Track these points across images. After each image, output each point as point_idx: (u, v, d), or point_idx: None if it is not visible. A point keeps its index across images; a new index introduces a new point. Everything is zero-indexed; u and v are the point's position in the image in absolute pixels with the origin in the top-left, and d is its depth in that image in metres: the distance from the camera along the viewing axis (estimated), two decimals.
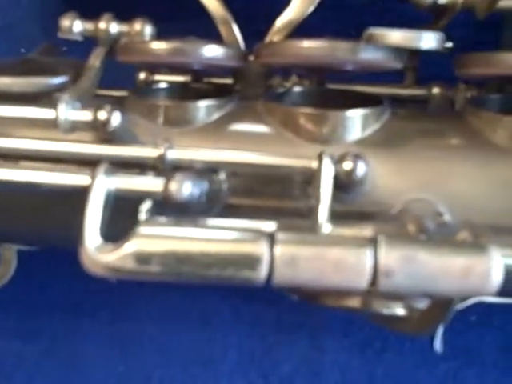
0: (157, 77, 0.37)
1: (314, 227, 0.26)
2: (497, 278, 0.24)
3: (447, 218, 0.28)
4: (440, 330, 0.34)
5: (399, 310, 0.29)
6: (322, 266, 0.24)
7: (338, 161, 0.26)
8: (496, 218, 0.29)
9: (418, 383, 0.39)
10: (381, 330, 0.39)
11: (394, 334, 0.38)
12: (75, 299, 0.40)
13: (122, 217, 0.26)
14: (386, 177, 0.29)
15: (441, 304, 0.28)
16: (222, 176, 0.29)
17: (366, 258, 0.24)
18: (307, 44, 0.29)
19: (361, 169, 0.27)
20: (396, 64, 0.30)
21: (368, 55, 0.28)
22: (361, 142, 0.30)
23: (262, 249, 0.24)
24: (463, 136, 0.30)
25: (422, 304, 0.29)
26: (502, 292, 0.25)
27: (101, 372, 0.40)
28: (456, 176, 0.29)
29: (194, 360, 0.40)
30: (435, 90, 0.35)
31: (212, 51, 0.30)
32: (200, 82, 0.36)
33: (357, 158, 0.27)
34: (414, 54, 0.36)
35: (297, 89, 0.33)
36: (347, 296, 0.30)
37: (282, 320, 0.40)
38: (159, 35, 0.33)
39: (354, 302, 0.30)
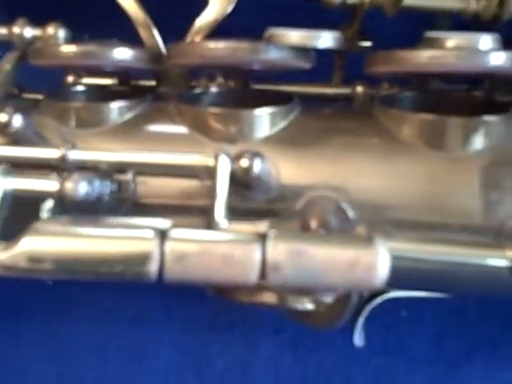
0: (84, 80, 0.37)
1: (210, 224, 0.27)
2: (383, 271, 0.25)
3: (350, 213, 0.29)
4: (359, 325, 0.34)
5: (309, 305, 0.30)
6: (211, 261, 0.25)
7: (234, 159, 0.27)
8: (399, 212, 0.29)
9: (350, 379, 0.40)
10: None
11: (326, 331, 0.38)
12: (11, 301, 0.41)
13: (26, 216, 0.26)
14: (291, 174, 0.29)
15: (343, 298, 0.28)
16: (129, 176, 0.29)
17: (255, 252, 0.25)
18: (212, 45, 0.29)
19: (257, 166, 0.27)
20: (302, 63, 0.30)
21: (269, 55, 0.29)
22: (268, 140, 0.30)
23: (151, 245, 0.25)
24: (369, 133, 0.30)
25: (329, 298, 0.30)
26: (390, 284, 0.25)
27: (37, 372, 0.40)
28: (360, 172, 0.29)
29: (128, 358, 0.40)
30: (359, 89, 0.36)
31: (122, 54, 0.31)
32: (124, 85, 0.36)
33: (254, 155, 0.27)
34: (341, 54, 0.37)
35: (213, 89, 0.33)
36: (261, 292, 0.30)
37: (215, 318, 0.41)
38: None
39: (269, 298, 0.30)
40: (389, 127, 0.30)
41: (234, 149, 0.28)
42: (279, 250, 0.25)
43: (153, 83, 0.36)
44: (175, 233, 0.25)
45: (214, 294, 0.31)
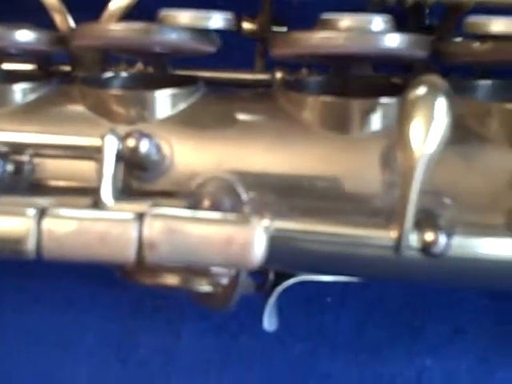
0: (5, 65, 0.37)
1: (96, 203, 0.27)
2: (259, 249, 0.25)
3: (244, 195, 0.29)
4: (268, 309, 0.34)
5: (207, 287, 0.30)
6: (88, 239, 0.25)
7: (122, 139, 0.27)
8: (295, 194, 0.29)
9: (273, 364, 0.40)
10: (237, 314, 0.39)
11: (249, 316, 0.38)
12: None
13: None
14: (187, 155, 0.29)
15: (233, 280, 0.28)
16: (26, 157, 0.29)
17: (131, 230, 0.25)
18: (108, 26, 0.29)
19: (144, 146, 0.27)
20: (203, 46, 0.30)
21: (162, 36, 0.29)
22: (167, 121, 0.30)
23: (29, 223, 0.25)
24: (269, 116, 0.30)
25: (225, 280, 0.30)
26: (268, 262, 0.26)
27: None
28: (256, 154, 0.29)
29: (52, 343, 0.41)
30: (278, 75, 0.36)
31: (24, 36, 0.31)
32: (42, 69, 0.36)
33: (141, 135, 0.27)
34: (261, 40, 0.37)
35: (123, 74, 0.33)
36: (163, 273, 0.30)
37: (140, 304, 0.41)
38: None
39: (171, 280, 0.30)
40: (288, 110, 0.30)
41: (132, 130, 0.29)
42: (155, 228, 0.25)
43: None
44: (53, 211, 0.25)
45: (121, 276, 0.31)
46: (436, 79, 0.26)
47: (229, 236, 0.25)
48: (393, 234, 0.26)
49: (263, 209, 0.28)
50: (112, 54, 0.35)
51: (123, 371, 0.41)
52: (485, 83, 0.32)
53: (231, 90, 0.33)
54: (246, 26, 0.36)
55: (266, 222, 0.26)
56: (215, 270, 0.30)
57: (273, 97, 0.31)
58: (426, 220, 0.27)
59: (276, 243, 0.26)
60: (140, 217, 0.25)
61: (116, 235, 0.25)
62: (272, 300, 0.33)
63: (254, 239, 0.25)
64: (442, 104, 0.26)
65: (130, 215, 0.25)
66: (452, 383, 0.39)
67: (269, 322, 0.34)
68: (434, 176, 0.27)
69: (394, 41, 0.28)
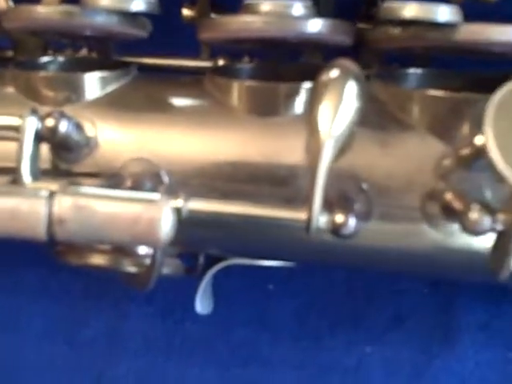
0: None
1: (15, 182, 0.27)
2: (166, 227, 0.25)
3: (165, 178, 0.29)
4: (200, 292, 0.34)
5: (132, 268, 0.31)
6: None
7: (41, 118, 0.28)
8: (215, 177, 0.29)
9: (215, 349, 0.40)
10: (182, 299, 0.40)
11: (194, 302, 0.39)
12: None
13: None
14: (112, 137, 0.30)
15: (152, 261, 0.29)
16: None
17: (41, 207, 0.25)
18: (34, 9, 0.30)
19: (63, 126, 0.28)
20: (134, 31, 0.31)
21: (85, 19, 0.29)
22: (95, 103, 0.31)
23: None
24: (196, 101, 0.31)
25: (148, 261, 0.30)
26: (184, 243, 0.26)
27: None
28: (179, 137, 0.30)
29: (1, 327, 0.41)
30: (220, 62, 0.36)
31: None
32: None
33: (61, 115, 0.28)
34: None
35: (60, 59, 0.34)
36: (91, 254, 0.31)
37: (88, 288, 0.41)
38: None
39: (98, 260, 0.31)
40: (215, 95, 0.31)
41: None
42: (63, 205, 0.25)
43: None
44: None
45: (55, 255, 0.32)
46: (348, 63, 0.27)
47: (136, 214, 0.25)
48: (303, 215, 0.26)
49: (183, 190, 0.28)
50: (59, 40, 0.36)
51: (71, 354, 0.41)
52: (416, 71, 0.32)
53: (163, 75, 0.34)
54: (186, 12, 0.36)
55: (179, 201, 0.27)
56: (140, 250, 0.30)
57: (201, 83, 0.32)
58: (338, 202, 0.27)
59: (191, 224, 0.27)
60: (51, 194, 0.26)
61: (26, 211, 0.25)
62: (204, 283, 0.34)
63: (161, 217, 0.25)
64: (351, 88, 0.26)
65: (42, 192, 0.26)
66: (391, 371, 0.39)
67: (202, 305, 0.34)
68: (351, 160, 0.28)
69: (313, 26, 0.29)
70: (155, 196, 0.25)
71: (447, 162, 0.28)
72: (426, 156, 0.28)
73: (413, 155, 0.28)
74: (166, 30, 0.35)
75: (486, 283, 0.35)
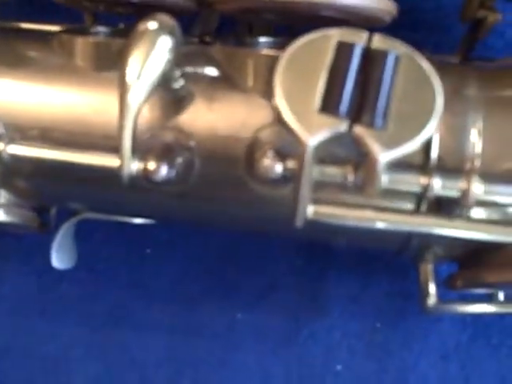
0: None
1: None
2: None
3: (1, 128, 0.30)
4: (55, 246, 0.35)
5: None
6: None
7: None
8: (53, 129, 0.31)
9: (91, 311, 0.41)
10: None
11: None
12: None
13: None
14: None
15: None
16: None
17: None
18: None
19: None
20: None
21: None
22: None
23: None
24: (42, 56, 0.32)
25: None
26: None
27: None
28: (19, 90, 0.31)
29: None
30: None
31: None
32: None
33: None
34: None
35: None
36: None
37: None
38: None
39: None
40: (58, 51, 0.32)
41: None
42: None
43: None
44: None
45: None
46: (165, 18, 0.28)
47: None
48: (116, 162, 0.27)
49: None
50: None
51: None
52: (267, 40, 0.33)
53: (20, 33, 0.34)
54: None
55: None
56: None
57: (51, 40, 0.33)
58: (156, 152, 0.28)
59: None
60: None
61: None
62: (58, 237, 0.35)
63: None
64: (164, 40, 0.27)
65: None
66: (261, 337, 0.40)
67: (58, 260, 0.35)
68: (178, 114, 0.29)
69: None
70: None
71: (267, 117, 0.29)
72: (249, 111, 0.29)
73: (237, 111, 0.29)
74: None
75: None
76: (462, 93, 0.30)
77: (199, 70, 0.30)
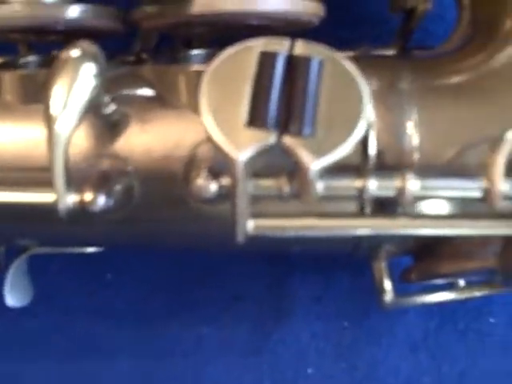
0: None
1: None
2: None
3: None
4: (8, 285, 0.34)
5: None
6: None
7: None
8: None
9: (52, 344, 0.40)
10: None
11: None
12: None
13: None
14: None
15: None
16: None
17: None
18: None
19: None
20: None
21: None
22: None
23: None
24: None
25: None
26: None
27: None
28: None
29: None
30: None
31: None
32: None
33: None
34: None
35: None
36: None
37: None
38: None
39: None
40: None
41: None
42: None
43: None
44: None
45: None
46: (86, 45, 0.27)
47: None
48: (51, 197, 0.27)
49: None
50: None
51: None
52: (201, 52, 0.33)
53: None
54: None
55: None
56: None
57: None
58: (92, 182, 0.28)
59: None
60: None
61: None
62: (10, 277, 0.34)
63: None
64: (88, 67, 0.26)
65: None
66: (230, 349, 0.40)
67: (14, 298, 0.34)
68: (112, 140, 0.29)
69: (72, 11, 0.29)
70: None
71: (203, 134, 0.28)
72: (184, 129, 0.29)
73: (171, 130, 0.29)
74: None
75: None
76: (397, 86, 0.30)
77: (131, 92, 0.30)
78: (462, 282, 0.35)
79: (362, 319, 0.40)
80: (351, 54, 0.34)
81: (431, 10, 0.40)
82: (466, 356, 0.39)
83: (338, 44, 0.36)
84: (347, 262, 0.40)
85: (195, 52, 0.32)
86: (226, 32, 0.31)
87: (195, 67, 0.30)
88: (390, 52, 0.35)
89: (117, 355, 0.40)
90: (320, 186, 0.24)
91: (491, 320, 0.39)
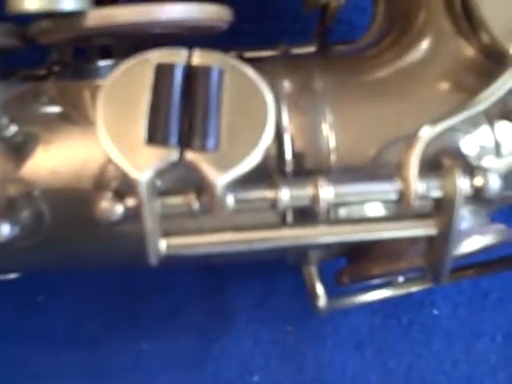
0: None
1: None
2: None
3: None
4: None
5: None
6: None
7: None
8: None
9: None
10: None
11: None
12: None
13: None
14: None
15: None
16: None
17: None
18: None
19: None
20: None
21: None
22: None
23: None
24: None
25: None
26: None
27: None
28: None
29: None
30: None
31: None
32: None
33: None
34: None
35: None
36: None
37: None
38: None
39: None
40: None
41: None
42: None
43: None
44: None
45: None
46: None
47: None
48: None
49: None
50: None
51: None
52: (107, 64, 0.31)
53: None
54: None
55: None
56: None
57: None
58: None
59: None
60: None
61: None
62: None
63: None
64: None
65: None
66: (172, 363, 0.39)
67: None
68: (17, 165, 0.27)
69: None
70: None
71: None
72: (90, 148, 0.27)
73: (77, 149, 0.28)
74: None
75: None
76: (310, 87, 0.29)
77: (33, 110, 0.28)
78: (400, 278, 0.35)
79: (305, 322, 0.39)
80: (270, 53, 0.34)
81: (354, 3, 0.40)
82: (412, 350, 0.39)
83: (261, 41, 0.36)
84: (286, 265, 0.39)
85: (103, 63, 0.31)
86: (136, 41, 0.30)
87: (100, 82, 0.28)
88: (311, 49, 0.34)
89: (53, 379, 0.38)
90: (230, 200, 0.23)
91: (435, 312, 0.39)
